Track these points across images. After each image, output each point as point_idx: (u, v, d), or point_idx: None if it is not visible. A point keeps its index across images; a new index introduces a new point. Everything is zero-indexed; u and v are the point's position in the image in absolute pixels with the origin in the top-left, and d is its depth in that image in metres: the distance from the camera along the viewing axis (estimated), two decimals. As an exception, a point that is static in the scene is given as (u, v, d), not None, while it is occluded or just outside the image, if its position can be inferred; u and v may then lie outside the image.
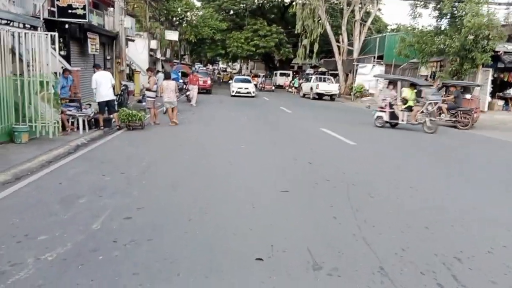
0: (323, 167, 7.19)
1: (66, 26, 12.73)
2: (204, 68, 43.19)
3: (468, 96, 15.74)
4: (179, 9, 32.21)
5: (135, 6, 30.17)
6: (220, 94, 28.57)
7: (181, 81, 20.63)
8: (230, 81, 35.20)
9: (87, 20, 12.97)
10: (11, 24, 8.27)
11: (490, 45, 16.89)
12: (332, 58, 41.94)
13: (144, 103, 12.17)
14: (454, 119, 14.35)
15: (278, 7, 48.71)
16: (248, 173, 6.63)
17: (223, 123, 13.17)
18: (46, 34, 8.00)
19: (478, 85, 16.27)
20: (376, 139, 11.15)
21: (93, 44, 13.96)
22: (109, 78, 10.66)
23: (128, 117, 10.27)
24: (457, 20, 17.68)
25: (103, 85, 10.41)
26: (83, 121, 9.68)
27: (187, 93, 20.73)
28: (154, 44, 27.97)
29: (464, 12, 16.91)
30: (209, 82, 29.08)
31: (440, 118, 13.97)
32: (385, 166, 7.66)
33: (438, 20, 19.22)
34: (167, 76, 12.56)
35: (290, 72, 45.69)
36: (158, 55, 28.61)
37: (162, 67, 30.18)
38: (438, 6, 18.58)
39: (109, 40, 16.92)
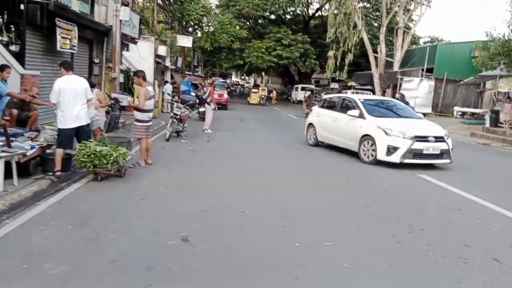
0: None
1: (22, 6, 8.26)
2: (222, 80, 38.58)
3: None
4: (194, 13, 27.86)
5: (143, 5, 26.01)
6: (237, 109, 24.04)
7: (193, 94, 16.01)
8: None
9: (53, -1, 8.51)
10: None
11: None
12: (363, 71, 37.38)
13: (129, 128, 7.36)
14: None
15: (301, 17, 44.48)
16: None
17: (256, 162, 8.48)
18: None
19: None
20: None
21: (66, 37, 9.47)
22: (83, 88, 6.14)
23: (94, 158, 5.60)
24: None
25: (72, 100, 5.96)
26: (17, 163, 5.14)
27: (201, 109, 16.15)
28: (163, 50, 23.59)
29: None
30: (225, 96, 24.59)
31: None
32: None
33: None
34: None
35: (313, 87, 41.09)
36: (167, 63, 24.27)
37: (172, 77, 25.78)
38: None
39: (98, 36, 12.47)
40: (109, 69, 12.77)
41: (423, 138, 8.19)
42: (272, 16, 43.66)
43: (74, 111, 6.01)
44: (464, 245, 4.07)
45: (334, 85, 42.57)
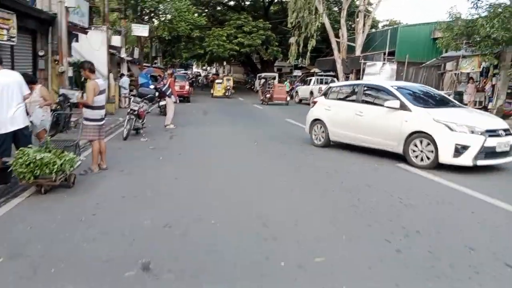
0: None
1: None
2: (184, 71, 36.92)
3: None
4: (150, 0, 26.30)
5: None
6: (199, 101, 23.15)
7: (152, 87, 14.98)
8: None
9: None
10: None
11: None
12: (325, 57, 37.22)
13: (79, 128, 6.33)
14: None
15: (260, 3, 43.61)
16: None
17: (226, 160, 7.77)
18: None
19: None
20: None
21: (3, 27, 8.26)
22: (17, 83, 5.17)
23: (34, 168, 4.71)
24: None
25: (5, 99, 5.05)
26: None
27: (161, 103, 15.21)
28: (117, 40, 22.11)
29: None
30: (187, 87, 23.51)
31: None
32: None
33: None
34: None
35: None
36: (123, 55, 22.80)
37: (129, 69, 24.35)
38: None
39: (42, 26, 11.20)
40: (56, 62, 11.55)
41: (494, 133, 6.60)
42: (231, 3, 42.55)
43: (9, 113, 5.06)
44: (469, 249, 3.60)
45: (297, 72, 42.27)
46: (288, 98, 26.31)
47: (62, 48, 11.48)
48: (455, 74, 18.00)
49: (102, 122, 6.27)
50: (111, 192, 5.25)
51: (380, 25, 44.14)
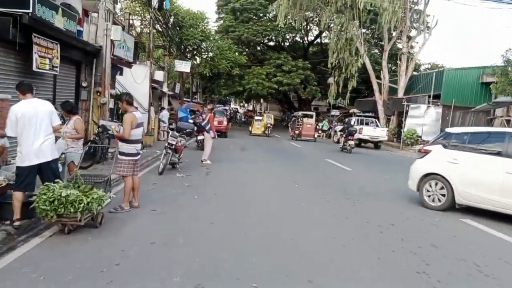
0: None
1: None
2: (222, 107, 37.14)
3: None
4: (193, 38, 26.99)
5: (141, 30, 25.19)
6: (236, 137, 22.85)
7: (190, 121, 14.83)
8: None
9: (30, 11, 7.35)
10: None
11: None
12: (364, 98, 36.51)
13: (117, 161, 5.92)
14: None
15: (299, 44, 44.10)
16: None
17: (266, 201, 7.12)
18: None
19: None
20: None
21: (46, 57, 8.27)
22: (47, 113, 4.92)
23: (58, 206, 4.27)
24: None
25: (33, 130, 4.76)
26: None
27: (199, 137, 14.96)
28: (160, 75, 22.57)
29: None
30: (225, 123, 23.40)
31: None
32: None
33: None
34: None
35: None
36: (165, 89, 23.16)
37: (169, 103, 24.66)
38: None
39: (87, 57, 11.33)
40: (98, 93, 11.56)
41: None
42: (271, 43, 43.24)
43: (36, 144, 4.74)
44: None
45: (335, 112, 41.70)
46: (316, 135, 26.94)
47: (105, 80, 11.52)
48: (506, 120, 16.69)
49: (137, 157, 5.86)
50: (140, 236, 4.70)
51: (422, 67, 43.22)
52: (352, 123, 22.21)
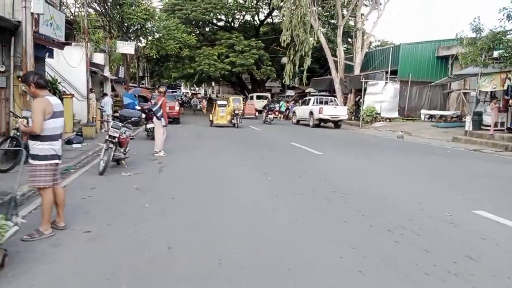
0: None
1: None
2: (173, 91, 34.78)
3: None
4: (136, 17, 24.50)
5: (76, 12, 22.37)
6: (191, 123, 21.18)
7: (138, 108, 13.04)
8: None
9: None
10: None
11: None
12: (319, 77, 35.81)
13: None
14: None
15: (250, 23, 42.45)
16: None
17: (240, 208, 5.76)
18: None
19: None
20: None
21: None
22: None
23: None
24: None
25: None
26: None
27: (148, 125, 13.29)
28: (100, 58, 20.27)
29: None
30: (177, 108, 21.53)
31: None
32: None
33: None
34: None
35: (269, 95, 39.15)
36: (106, 73, 20.85)
37: (113, 89, 22.36)
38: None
39: (2, 35, 9.22)
40: (19, 79, 9.50)
41: None
42: (221, 23, 41.28)
43: None
44: None
45: (290, 92, 40.82)
46: (257, 114, 29.41)
47: (27, 62, 9.44)
48: (477, 92, 16.39)
49: (57, 161, 4.22)
50: (62, 281, 3.18)
51: (372, 45, 43.25)
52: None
